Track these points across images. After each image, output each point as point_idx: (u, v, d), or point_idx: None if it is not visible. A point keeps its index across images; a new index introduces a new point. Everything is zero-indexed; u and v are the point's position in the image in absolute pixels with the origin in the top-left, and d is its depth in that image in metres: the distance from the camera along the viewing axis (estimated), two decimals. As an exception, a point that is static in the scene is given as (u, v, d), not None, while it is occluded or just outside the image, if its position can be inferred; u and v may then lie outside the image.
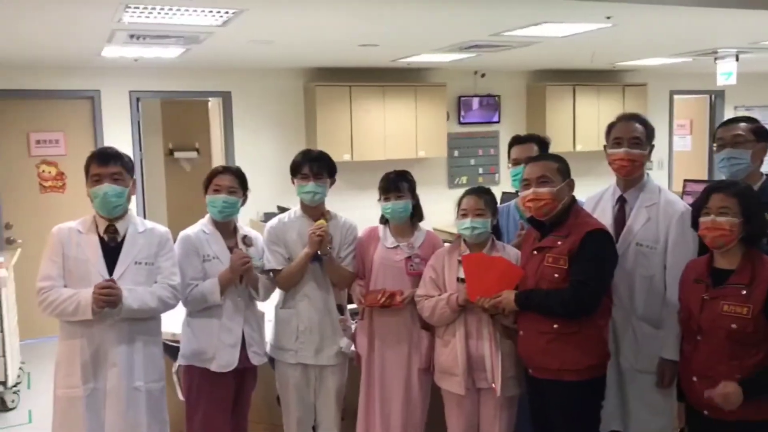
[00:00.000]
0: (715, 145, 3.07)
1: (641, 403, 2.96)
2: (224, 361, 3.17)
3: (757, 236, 2.52)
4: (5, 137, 6.35)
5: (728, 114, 9.41)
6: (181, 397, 3.38)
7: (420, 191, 3.35)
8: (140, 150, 6.84)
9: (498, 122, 8.21)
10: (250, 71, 7.09)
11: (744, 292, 2.45)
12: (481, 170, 8.24)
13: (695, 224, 2.61)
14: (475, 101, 8.06)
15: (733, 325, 2.44)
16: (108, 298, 2.76)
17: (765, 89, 9.60)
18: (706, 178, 9.13)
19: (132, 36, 4.81)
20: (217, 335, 3.17)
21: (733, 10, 4.40)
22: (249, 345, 3.23)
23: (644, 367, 2.93)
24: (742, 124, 3.01)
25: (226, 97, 7.11)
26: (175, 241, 3.18)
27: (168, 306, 3.00)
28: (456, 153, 8.07)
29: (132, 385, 2.91)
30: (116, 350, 2.88)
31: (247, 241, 3.29)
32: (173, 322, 3.37)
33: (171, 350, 3.40)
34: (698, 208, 2.59)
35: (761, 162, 3.00)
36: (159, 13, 4.04)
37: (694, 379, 2.57)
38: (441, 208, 5.31)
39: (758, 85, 9.38)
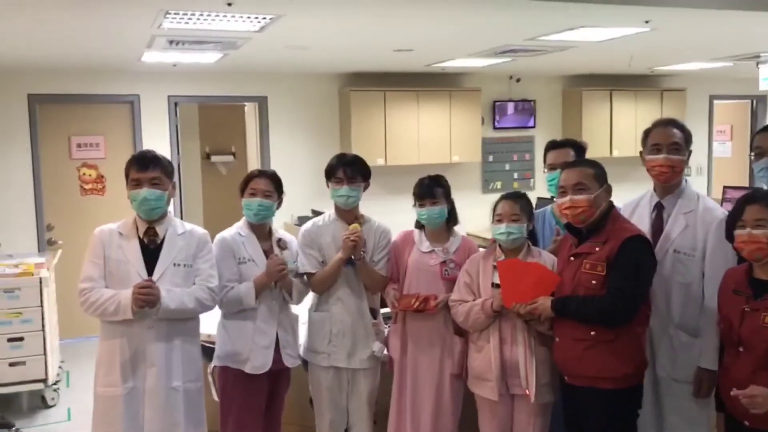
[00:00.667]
0: (752, 153, 3.00)
1: (677, 412, 2.91)
2: (258, 362, 3.20)
3: None
4: (48, 140, 6.51)
5: (771, 119, 9.23)
6: (216, 397, 3.42)
7: (454, 196, 3.35)
8: (178, 154, 6.94)
9: (533, 127, 8.15)
10: (286, 76, 7.16)
11: None
12: (516, 175, 8.19)
13: (730, 236, 2.55)
14: (510, 106, 8.02)
15: None
16: (147, 298, 2.82)
17: (809, 94, 9.36)
18: (746, 185, 8.94)
19: (171, 42, 4.90)
20: (252, 337, 3.21)
21: (776, 13, 4.31)
22: (283, 347, 3.26)
23: (681, 376, 2.88)
24: None
25: (262, 102, 7.19)
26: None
27: (206, 307, 3.05)
28: (491, 158, 8.03)
29: (170, 385, 2.96)
30: (155, 350, 2.93)
31: (281, 244, 3.32)
32: (209, 323, 3.41)
33: (206, 351, 3.44)
34: (733, 219, 2.53)
35: None
36: (198, 19, 4.10)
37: (734, 390, 2.51)
38: (475, 213, 5.28)
39: (802, 90, 9.16)
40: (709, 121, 9.04)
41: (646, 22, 4.56)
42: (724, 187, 7.25)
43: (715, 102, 9.10)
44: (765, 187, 2.92)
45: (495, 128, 7.98)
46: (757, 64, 6.96)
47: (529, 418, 3.01)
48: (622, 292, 2.69)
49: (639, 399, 2.85)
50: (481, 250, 3.27)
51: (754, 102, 9.35)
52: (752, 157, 3.00)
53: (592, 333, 2.73)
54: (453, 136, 7.50)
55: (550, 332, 2.91)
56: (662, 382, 2.93)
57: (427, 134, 7.38)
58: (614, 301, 2.69)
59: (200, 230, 3.14)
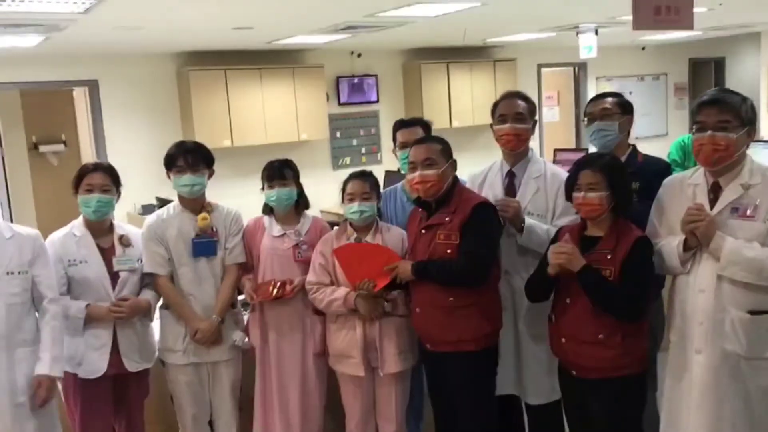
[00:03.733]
0: (585, 119, 3.25)
1: (537, 364, 3.08)
2: (91, 367, 3.01)
3: (624, 206, 2.67)
4: None
5: (591, 84, 9.98)
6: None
7: (305, 174, 3.34)
8: (0, 145, 6.37)
9: (377, 101, 8.27)
10: (119, 57, 6.74)
11: (609, 256, 2.61)
12: (363, 150, 8.29)
13: (569, 197, 2.76)
14: (354, 81, 8.08)
15: None
16: None
17: (623, 60, 10.23)
18: (574, 146, 9.65)
19: (-19, 24, 4.45)
20: (84, 339, 3.02)
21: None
22: (124, 354, 3.08)
23: (540, 332, 3.05)
24: (609, 99, 3.20)
25: (92, 86, 6.73)
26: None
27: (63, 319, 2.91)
28: (338, 134, 8.07)
29: (15, 402, 2.71)
30: None
31: (124, 241, 3.14)
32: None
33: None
34: (571, 183, 2.72)
35: (628, 134, 3.21)
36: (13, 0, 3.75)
37: (563, 340, 2.73)
38: (326, 190, 5.31)
39: (617, 57, 9.98)
40: (538, 87, 9.61)
41: (477, -4, 4.74)
42: (555, 150, 7.75)
43: (543, 70, 9.69)
44: (596, 149, 3.18)
45: (340, 104, 8.02)
46: (577, 34, 7.48)
47: (390, 388, 3.12)
48: (475, 254, 2.83)
49: (497, 357, 3.02)
50: (334, 228, 3.30)
51: (576, 69, 10.07)
52: (585, 123, 3.25)
53: (451, 299, 2.85)
54: (299, 114, 7.45)
55: (401, 315, 3.04)
56: (523, 339, 3.11)
57: (273, 113, 7.27)
58: (468, 262, 2.83)
59: (32, 231, 2.87)
